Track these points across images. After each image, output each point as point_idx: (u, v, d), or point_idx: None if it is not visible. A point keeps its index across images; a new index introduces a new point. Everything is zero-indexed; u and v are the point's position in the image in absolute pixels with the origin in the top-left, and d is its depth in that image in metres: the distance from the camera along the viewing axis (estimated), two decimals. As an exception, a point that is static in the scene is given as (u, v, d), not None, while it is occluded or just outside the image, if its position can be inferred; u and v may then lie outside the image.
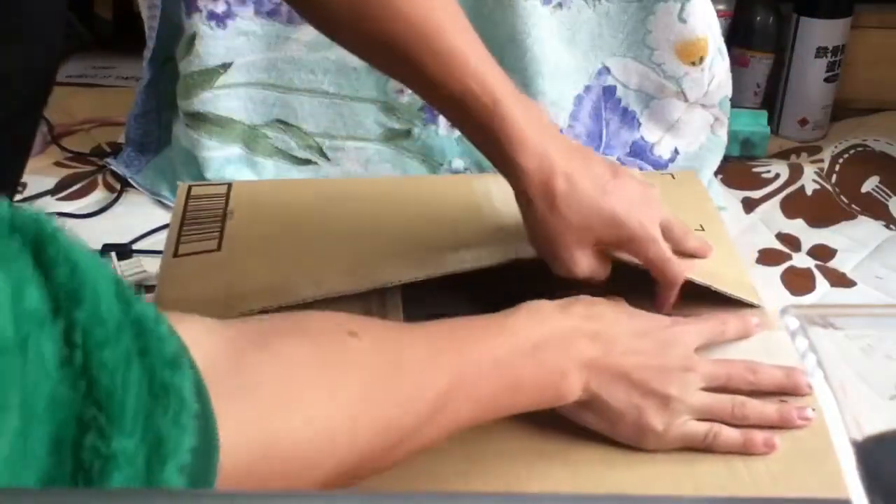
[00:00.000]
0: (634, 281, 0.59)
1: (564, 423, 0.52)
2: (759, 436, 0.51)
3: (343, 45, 0.59)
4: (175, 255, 0.65)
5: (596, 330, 0.52)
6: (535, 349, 0.48)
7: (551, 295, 0.55)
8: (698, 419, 0.52)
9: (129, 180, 1.03)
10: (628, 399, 0.50)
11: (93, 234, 0.94)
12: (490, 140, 0.55)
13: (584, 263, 0.57)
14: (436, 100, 0.58)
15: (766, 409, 0.53)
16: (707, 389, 0.53)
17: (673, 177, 0.79)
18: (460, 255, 0.62)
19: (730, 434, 0.51)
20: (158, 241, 0.88)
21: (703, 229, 0.69)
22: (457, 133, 0.96)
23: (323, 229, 0.68)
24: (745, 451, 0.51)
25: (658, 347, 0.53)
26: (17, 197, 1.01)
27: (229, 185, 0.75)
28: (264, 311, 0.58)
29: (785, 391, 0.55)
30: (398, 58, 0.55)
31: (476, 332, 0.48)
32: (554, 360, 0.49)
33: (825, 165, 1.07)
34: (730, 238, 0.70)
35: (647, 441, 0.51)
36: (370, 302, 0.61)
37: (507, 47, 0.90)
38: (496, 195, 0.71)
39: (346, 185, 0.79)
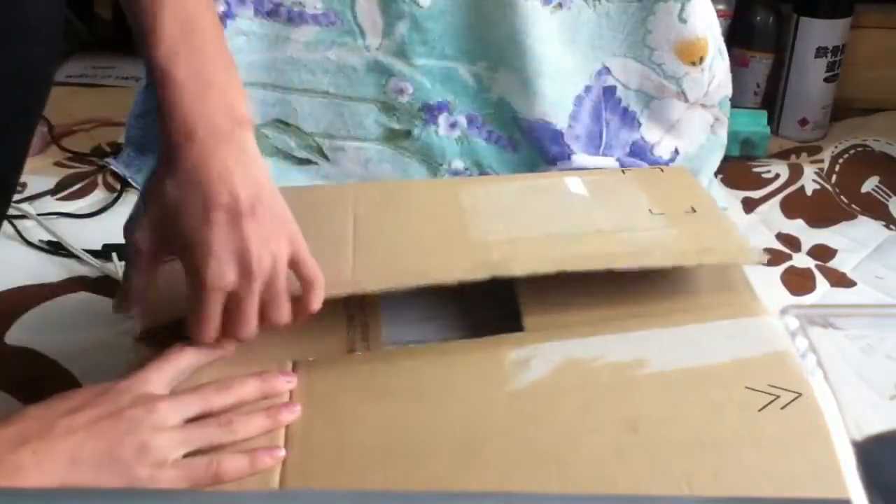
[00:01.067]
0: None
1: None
2: (262, 452, 0.50)
3: None
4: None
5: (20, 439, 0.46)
6: None
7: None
8: (194, 453, 0.49)
9: (129, 180, 1.03)
10: (97, 471, 0.47)
11: (93, 234, 0.94)
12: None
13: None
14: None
15: (254, 417, 0.52)
16: (191, 421, 0.51)
17: (662, 170, 0.78)
18: (436, 268, 0.62)
19: (234, 460, 0.49)
20: (158, 241, 0.88)
21: (694, 211, 0.68)
22: (457, 133, 0.96)
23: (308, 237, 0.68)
24: (255, 469, 0.50)
25: (105, 408, 0.49)
26: (17, 197, 1.01)
27: None
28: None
29: (267, 395, 0.54)
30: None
31: None
32: None
33: (825, 165, 1.07)
34: (723, 214, 0.70)
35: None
36: (354, 322, 0.62)
37: (507, 47, 0.90)
38: (483, 207, 0.70)
39: (331, 193, 0.78)
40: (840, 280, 0.88)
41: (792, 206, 1.00)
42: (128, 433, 0.48)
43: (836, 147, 1.11)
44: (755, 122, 1.10)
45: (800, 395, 0.54)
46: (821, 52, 1.11)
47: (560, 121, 0.92)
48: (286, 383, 0.55)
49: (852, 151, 1.10)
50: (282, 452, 0.51)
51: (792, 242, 0.94)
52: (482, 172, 0.96)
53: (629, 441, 0.51)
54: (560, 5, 0.90)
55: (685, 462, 0.51)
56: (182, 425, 0.50)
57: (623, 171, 0.78)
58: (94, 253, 0.90)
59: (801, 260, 0.91)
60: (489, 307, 0.64)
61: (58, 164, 1.10)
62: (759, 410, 0.53)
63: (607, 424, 0.52)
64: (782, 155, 1.12)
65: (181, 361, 0.54)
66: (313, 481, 0.49)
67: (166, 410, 0.50)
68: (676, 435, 0.52)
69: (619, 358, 0.57)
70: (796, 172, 1.05)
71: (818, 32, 1.11)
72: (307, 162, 0.98)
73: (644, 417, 0.53)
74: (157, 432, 0.48)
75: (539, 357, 0.57)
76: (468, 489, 0.49)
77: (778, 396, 0.54)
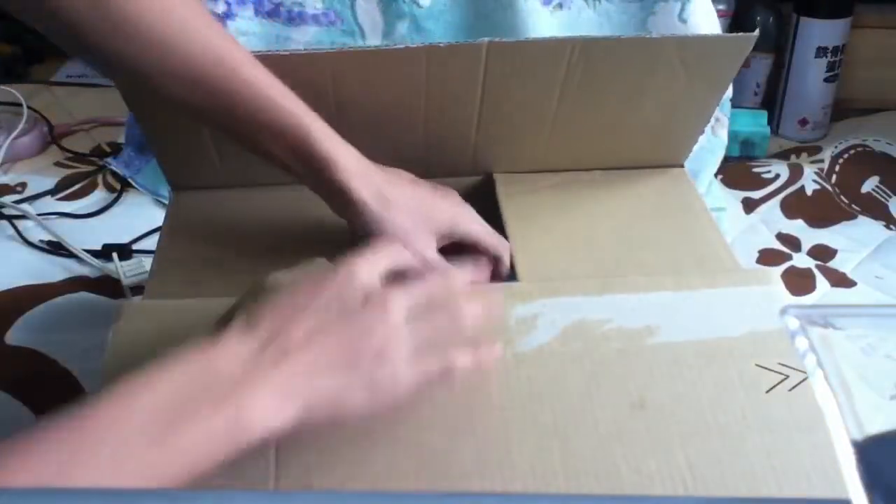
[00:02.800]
0: None
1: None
2: (485, 348, 0.50)
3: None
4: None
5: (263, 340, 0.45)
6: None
7: None
8: (419, 351, 0.47)
9: (129, 180, 1.03)
10: (338, 380, 0.45)
11: (93, 234, 0.94)
12: (307, 163, 0.56)
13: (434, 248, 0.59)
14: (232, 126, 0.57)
15: (472, 306, 0.50)
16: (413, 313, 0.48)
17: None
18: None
19: (463, 356, 0.48)
20: (158, 241, 0.88)
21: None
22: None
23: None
24: (478, 367, 0.49)
25: (336, 310, 0.46)
26: (17, 197, 1.01)
27: None
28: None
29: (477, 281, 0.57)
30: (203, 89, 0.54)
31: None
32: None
33: (825, 165, 1.07)
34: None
35: (381, 400, 0.46)
36: None
37: (507, 47, 0.90)
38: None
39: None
40: (840, 280, 0.88)
41: (792, 206, 1.00)
42: (363, 338, 0.45)
43: (836, 147, 1.11)
44: (755, 122, 1.10)
45: (808, 376, 0.53)
46: (821, 52, 1.11)
47: (560, 121, 0.92)
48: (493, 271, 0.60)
49: (852, 151, 1.10)
50: (500, 349, 0.51)
51: (792, 242, 0.94)
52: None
53: (635, 420, 0.51)
54: (560, 5, 0.90)
55: (689, 446, 0.50)
56: (409, 319, 0.47)
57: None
58: (94, 253, 0.90)
59: (801, 260, 0.91)
60: None
61: (58, 164, 1.10)
62: (767, 392, 0.52)
63: (614, 401, 0.51)
64: (782, 155, 1.12)
65: (396, 254, 0.52)
66: (309, 450, 0.48)
67: (397, 305, 0.47)
68: (683, 416, 0.51)
69: (629, 323, 0.56)
70: (796, 172, 1.05)
71: (818, 32, 1.11)
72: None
73: (651, 395, 0.52)
74: (391, 331, 0.46)
75: (546, 315, 0.55)
76: (466, 462, 0.48)
77: (787, 377, 0.54)
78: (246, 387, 0.42)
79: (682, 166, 0.75)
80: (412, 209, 0.58)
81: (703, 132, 0.74)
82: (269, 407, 0.43)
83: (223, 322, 0.46)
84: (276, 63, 0.59)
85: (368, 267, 0.48)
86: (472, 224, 0.61)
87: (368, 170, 0.58)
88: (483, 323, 0.50)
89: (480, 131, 0.69)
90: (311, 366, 0.44)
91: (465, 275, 0.55)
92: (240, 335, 0.44)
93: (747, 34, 0.63)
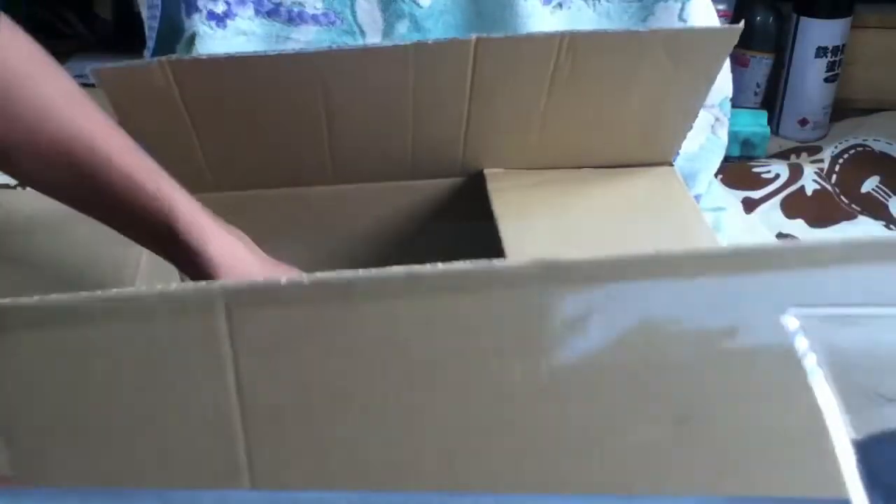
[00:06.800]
0: None
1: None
2: None
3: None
4: None
5: None
6: None
7: None
8: None
9: (129, 180, 1.03)
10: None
11: (93, 234, 0.94)
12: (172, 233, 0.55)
13: None
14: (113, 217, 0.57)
15: None
16: None
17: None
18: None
19: None
20: (158, 241, 0.88)
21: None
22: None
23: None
24: None
25: None
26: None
27: None
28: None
29: None
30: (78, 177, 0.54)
31: None
32: None
33: (825, 165, 1.07)
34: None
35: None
36: None
37: (507, 47, 0.90)
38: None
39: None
40: (840, 280, 0.88)
41: (792, 206, 1.00)
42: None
43: (836, 147, 1.11)
44: (755, 122, 1.10)
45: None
46: (821, 52, 1.11)
47: (560, 121, 0.92)
48: None
49: (852, 151, 1.10)
50: None
51: (792, 242, 0.94)
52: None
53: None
54: (560, 5, 0.90)
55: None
56: None
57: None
58: (94, 253, 0.90)
59: (801, 260, 0.91)
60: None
61: (58, 164, 1.10)
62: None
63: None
64: (782, 155, 1.12)
65: None
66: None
67: None
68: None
69: (707, 323, 0.35)
70: (796, 172, 1.05)
71: (818, 32, 1.11)
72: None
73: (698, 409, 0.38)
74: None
75: (602, 311, 0.35)
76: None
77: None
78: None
79: (671, 164, 0.75)
80: None
81: (690, 128, 0.73)
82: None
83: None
84: (263, 65, 0.58)
85: None
86: None
87: (240, 263, 0.55)
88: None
89: (469, 129, 0.68)
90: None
91: None
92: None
93: (733, 26, 0.63)
